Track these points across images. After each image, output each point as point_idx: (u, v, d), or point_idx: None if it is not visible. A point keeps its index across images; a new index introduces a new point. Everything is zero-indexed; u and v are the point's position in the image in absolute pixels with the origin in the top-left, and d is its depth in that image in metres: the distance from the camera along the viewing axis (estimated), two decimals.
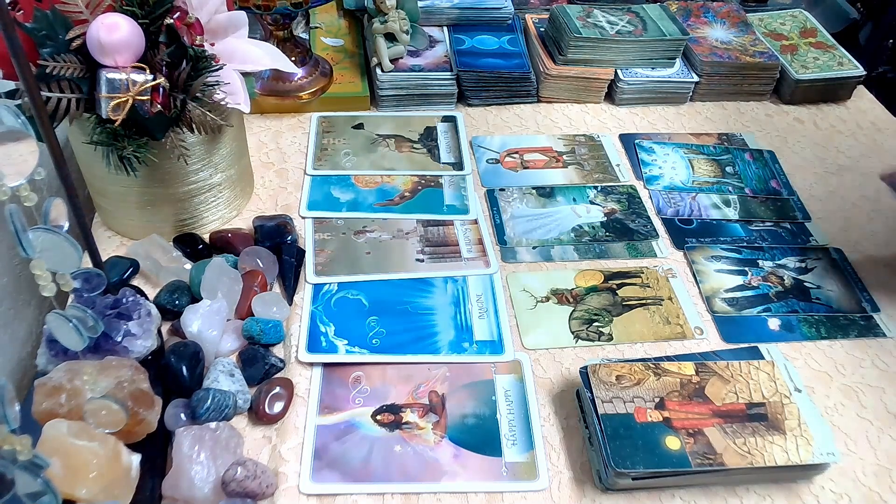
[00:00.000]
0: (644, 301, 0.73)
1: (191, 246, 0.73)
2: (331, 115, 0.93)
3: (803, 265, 0.78)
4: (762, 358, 0.68)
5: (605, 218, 0.82)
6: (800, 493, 0.58)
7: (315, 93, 0.94)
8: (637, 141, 0.93)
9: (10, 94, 0.58)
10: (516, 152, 0.90)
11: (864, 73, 1.02)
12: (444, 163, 0.87)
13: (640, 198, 0.85)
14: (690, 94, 1.01)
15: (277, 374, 0.64)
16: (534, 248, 0.78)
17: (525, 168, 0.88)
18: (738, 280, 0.75)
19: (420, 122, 0.94)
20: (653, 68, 0.99)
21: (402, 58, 0.96)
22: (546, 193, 0.84)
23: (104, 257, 0.69)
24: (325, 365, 0.65)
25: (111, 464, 0.51)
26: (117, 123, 0.61)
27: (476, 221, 0.80)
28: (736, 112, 1.01)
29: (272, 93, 0.93)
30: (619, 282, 0.74)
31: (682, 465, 0.55)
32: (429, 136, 0.91)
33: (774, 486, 0.58)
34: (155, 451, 0.57)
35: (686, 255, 0.78)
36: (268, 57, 0.72)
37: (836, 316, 0.73)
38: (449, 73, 0.95)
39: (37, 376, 0.56)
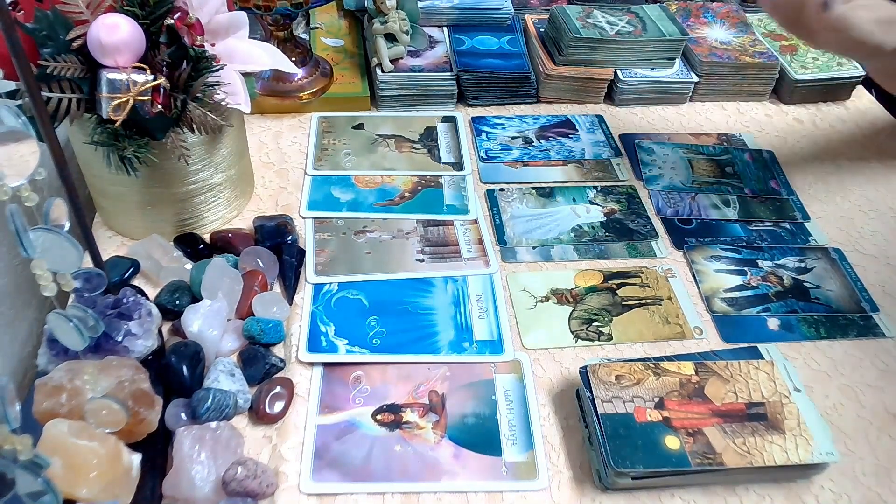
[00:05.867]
0: (644, 301, 0.73)
1: (191, 246, 0.74)
2: (331, 116, 0.94)
3: (803, 265, 0.78)
4: (761, 358, 0.68)
5: (605, 218, 0.82)
6: (799, 493, 0.58)
7: (315, 93, 0.94)
8: (637, 141, 0.93)
9: (11, 95, 0.58)
10: None
11: (864, 73, 1.02)
12: (444, 163, 0.87)
13: (639, 198, 0.85)
14: (690, 94, 1.01)
15: (278, 374, 0.64)
16: (534, 248, 0.78)
17: (525, 165, 0.88)
18: (738, 280, 0.76)
19: (420, 122, 0.94)
20: (652, 69, 0.99)
21: (402, 58, 0.96)
22: (546, 193, 0.85)
23: (105, 257, 0.69)
24: (326, 365, 0.65)
25: (112, 463, 0.51)
26: (118, 124, 0.61)
27: (476, 221, 0.80)
28: (735, 112, 1.01)
29: (272, 93, 0.93)
30: (619, 282, 0.74)
31: (682, 464, 0.55)
32: (429, 136, 0.91)
33: (774, 485, 0.59)
34: (155, 450, 0.57)
35: (685, 254, 0.78)
36: (268, 57, 0.72)
37: (835, 316, 0.73)
38: (449, 74, 0.95)
39: (37, 376, 0.56)
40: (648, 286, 0.74)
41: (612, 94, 1.00)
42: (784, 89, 1.03)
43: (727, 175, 0.89)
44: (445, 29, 1.05)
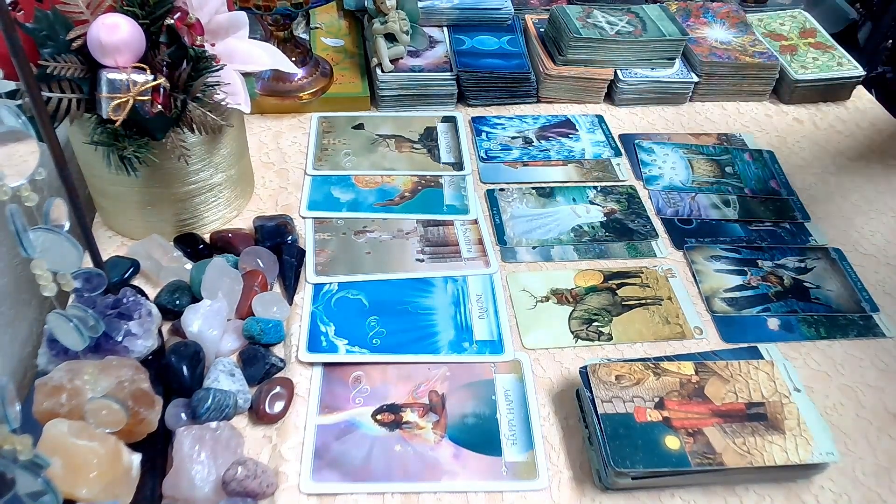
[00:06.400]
0: (644, 301, 0.73)
1: (191, 246, 0.74)
2: (331, 116, 0.94)
3: (803, 265, 0.78)
4: (761, 358, 0.68)
5: (605, 218, 0.82)
6: (799, 493, 0.58)
7: (315, 93, 0.94)
8: (636, 141, 0.93)
9: (11, 95, 0.58)
10: None
11: (864, 73, 1.02)
12: (444, 163, 0.87)
13: (639, 198, 0.85)
14: (690, 94, 1.01)
15: (278, 374, 0.64)
16: (534, 248, 0.78)
17: (525, 165, 0.88)
18: (738, 280, 0.76)
19: (420, 122, 0.94)
20: (652, 69, 0.99)
21: (402, 58, 0.96)
22: (546, 193, 0.85)
23: (105, 257, 0.69)
24: (326, 364, 0.65)
25: (112, 463, 0.51)
26: (118, 124, 0.61)
27: (476, 221, 0.80)
28: (735, 112, 1.01)
29: (272, 93, 0.93)
30: (619, 282, 0.74)
31: (682, 464, 0.55)
32: (429, 136, 0.92)
33: (774, 485, 0.59)
34: (155, 450, 0.57)
35: (685, 254, 0.78)
36: (268, 57, 0.72)
37: (835, 316, 0.73)
38: (449, 74, 0.95)
39: (37, 376, 0.56)
40: (648, 286, 0.74)
41: (612, 94, 1.00)
42: (784, 89, 1.03)
43: (727, 175, 0.89)
44: (445, 29, 1.05)
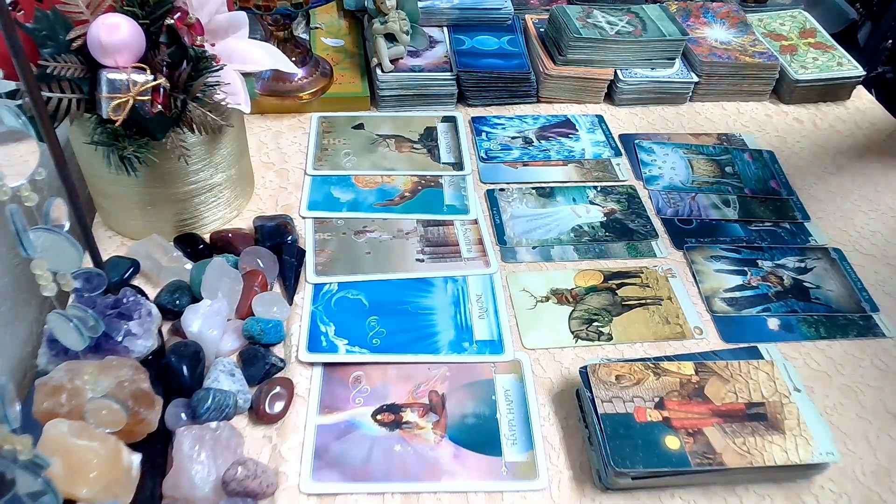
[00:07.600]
0: (644, 301, 0.73)
1: (191, 246, 0.74)
2: (331, 116, 0.94)
3: (803, 265, 0.78)
4: (761, 358, 0.68)
5: (605, 218, 0.82)
6: (799, 493, 0.58)
7: (315, 93, 0.94)
8: (636, 141, 0.93)
9: (11, 95, 0.58)
10: None
11: (864, 73, 1.02)
12: (444, 163, 0.87)
13: (639, 198, 0.85)
14: (690, 94, 1.01)
15: (278, 374, 0.64)
16: (534, 248, 0.78)
17: (525, 165, 0.88)
18: (738, 280, 0.76)
19: (420, 122, 0.94)
20: (652, 69, 0.99)
21: (402, 58, 0.96)
22: (546, 193, 0.85)
23: (105, 257, 0.69)
24: (326, 365, 0.65)
25: (112, 463, 0.51)
26: (118, 124, 0.61)
27: (476, 221, 0.80)
28: (735, 112, 1.01)
29: (272, 93, 0.93)
30: (619, 282, 0.74)
31: (682, 464, 0.55)
32: (429, 136, 0.92)
33: (774, 485, 0.59)
34: (155, 450, 0.57)
35: (685, 254, 0.78)
36: (268, 57, 0.73)
37: (835, 316, 0.73)
38: (449, 74, 0.95)
39: (37, 376, 0.56)
40: (648, 286, 0.74)
41: (612, 94, 1.00)
42: (784, 89, 1.03)
43: (727, 175, 0.89)
44: (445, 29, 1.05)
